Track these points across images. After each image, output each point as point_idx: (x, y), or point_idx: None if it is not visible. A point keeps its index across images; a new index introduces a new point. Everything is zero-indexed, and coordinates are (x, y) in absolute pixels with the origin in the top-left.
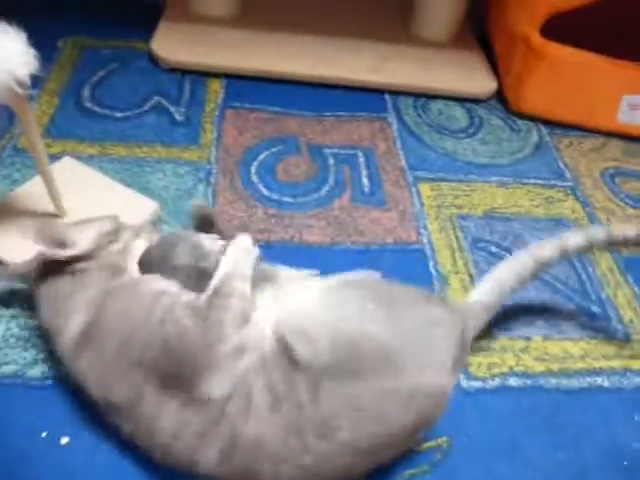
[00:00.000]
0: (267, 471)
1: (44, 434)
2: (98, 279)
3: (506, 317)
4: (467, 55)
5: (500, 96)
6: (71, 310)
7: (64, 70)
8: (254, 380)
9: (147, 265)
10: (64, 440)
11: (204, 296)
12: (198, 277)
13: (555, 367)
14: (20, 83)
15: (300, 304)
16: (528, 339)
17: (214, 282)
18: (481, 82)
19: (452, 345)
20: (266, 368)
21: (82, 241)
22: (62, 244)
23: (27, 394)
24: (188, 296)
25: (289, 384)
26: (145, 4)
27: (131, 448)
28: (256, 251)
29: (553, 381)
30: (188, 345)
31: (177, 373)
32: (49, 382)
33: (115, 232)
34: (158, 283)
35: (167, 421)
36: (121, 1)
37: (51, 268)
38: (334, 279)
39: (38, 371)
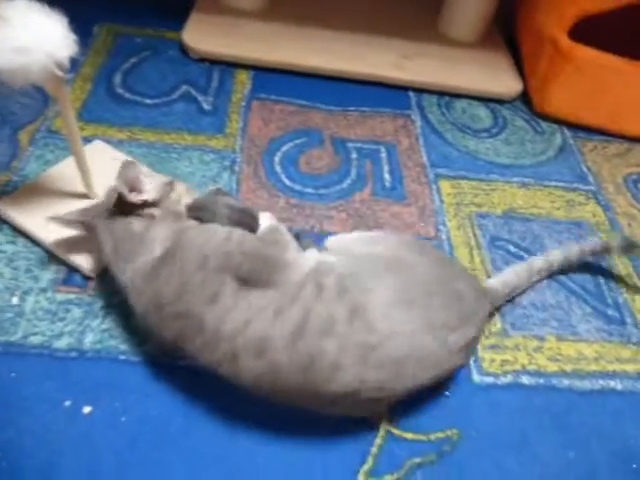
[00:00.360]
0: (332, 349)
1: (67, 403)
2: (166, 222)
3: (520, 316)
4: (493, 55)
5: (525, 97)
6: (145, 245)
7: (98, 56)
8: (323, 274)
9: (195, 209)
10: (86, 409)
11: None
12: (240, 219)
13: (568, 368)
14: (59, 66)
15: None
16: (542, 339)
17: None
18: (506, 83)
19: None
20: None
21: (151, 190)
22: (136, 189)
23: (52, 364)
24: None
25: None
26: None
27: (154, 422)
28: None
29: (566, 382)
30: (263, 253)
31: (258, 270)
32: (74, 354)
33: (170, 184)
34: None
35: (240, 311)
36: None
37: (121, 210)
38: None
39: (64, 343)
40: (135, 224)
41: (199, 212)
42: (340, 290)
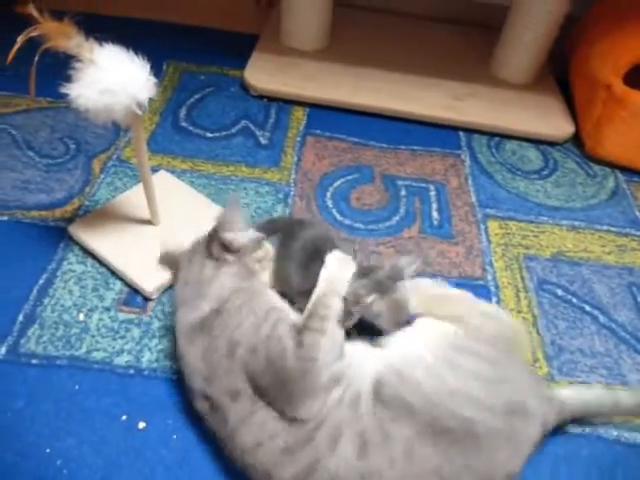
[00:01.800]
0: None
1: (124, 417)
2: (233, 274)
3: (567, 361)
4: (546, 98)
5: (577, 140)
6: (203, 296)
7: (166, 91)
8: (346, 414)
9: (271, 231)
10: (141, 425)
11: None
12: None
13: (617, 418)
14: (140, 106)
15: (406, 362)
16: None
17: (312, 300)
18: (558, 125)
19: (531, 443)
20: (359, 408)
21: (240, 238)
22: (230, 230)
23: (112, 380)
24: (295, 315)
25: (384, 437)
26: (241, 35)
27: (204, 442)
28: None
29: (614, 433)
30: (286, 369)
31: (274, 390)
32: (132, 371)
33: (260, 243)
34: (274, 297)
35: (255, 426)
36: (220, 32)
37: (204, 250)
38: (447, 339)
39: (123, 360)
40: (207, 268)
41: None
42: (361, 446)
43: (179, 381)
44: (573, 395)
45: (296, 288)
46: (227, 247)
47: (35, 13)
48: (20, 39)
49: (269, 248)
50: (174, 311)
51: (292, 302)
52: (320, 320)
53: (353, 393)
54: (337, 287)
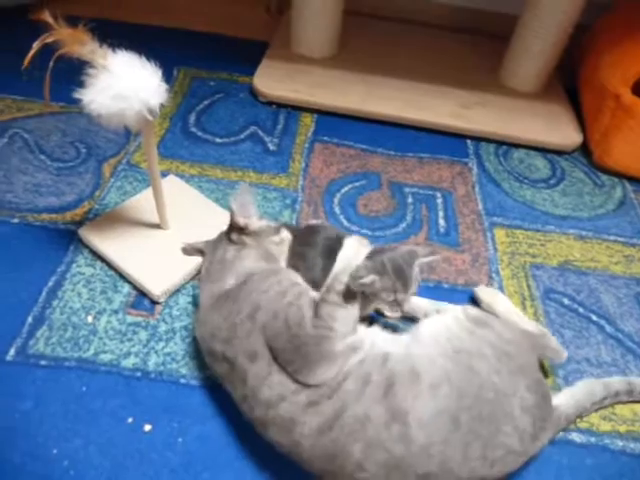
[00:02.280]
0: (357, 452)
1: (130, 420)
2: (254, 256)
3: (573, 371)
4: (554, 107)
5: (585, 149)
6: (227, 273)
7: (176, 96)
8: (373, 366)
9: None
10: (147, 427)
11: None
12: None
13: (622, 428)
14: (151, 111)
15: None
16: None
17: (330, 276)
18: (566, 134)
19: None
20: (387, 362)
21: (256, 221)
22: (245, 214)
23: (119, 382)
24: (315, 293)
25: (412, 375)
26: (251, 42)
27: (208, 445)
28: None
29: (619, 443)
30: (304, 335)
31: (290, 354)
32: (138, 374)
33: (277, 229)
34: (295, 276)
35: (276, 384)
36: (230, 38)
37: (225, 237)
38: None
39: (130, 363)
40: (229, 252)
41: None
42: (387, 386)
43: (186, 385)
44: (564, 402)
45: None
46: (243, 230)
47: (50, 20)
48: (36, 45)
49: (286, 234)
50: (200, 287)
51: None
52: (336, 294)
53: (379, 353)
54: (353, 265)
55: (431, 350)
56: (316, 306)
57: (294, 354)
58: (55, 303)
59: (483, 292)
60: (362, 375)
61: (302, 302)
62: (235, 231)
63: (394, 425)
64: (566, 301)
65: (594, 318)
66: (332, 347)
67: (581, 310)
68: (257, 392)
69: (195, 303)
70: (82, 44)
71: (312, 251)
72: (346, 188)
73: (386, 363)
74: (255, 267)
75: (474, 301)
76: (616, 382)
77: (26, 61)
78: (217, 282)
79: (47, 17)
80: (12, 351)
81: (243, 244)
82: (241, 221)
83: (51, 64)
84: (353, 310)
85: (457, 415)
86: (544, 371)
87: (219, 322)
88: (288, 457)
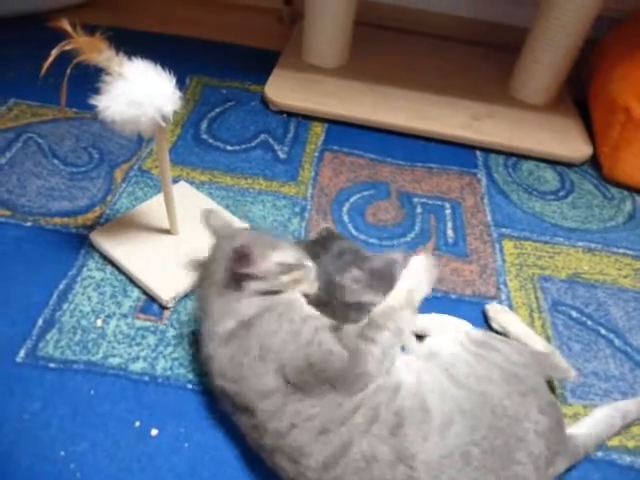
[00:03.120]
0: None
1: (137, 424)
2: (261, 298)
3: (581, 384)
4: (563, 119)
5: (594, 162)
6: (231, 311)
7: (188, 104)
8: (384, 398)
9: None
10: (154, 432)
11: (357, 326)
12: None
13: (631, 444)
14: (164, 118)
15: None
16: None
17: (380, 310)
18: (576, 147)
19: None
20: (399, 393)
21: (260, 264)
22: (248, 259)
23: (127, 386)
24: (330, 322)
25: (423, 412)
26: (263, 51)
27: (215, 452)
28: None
29: (627, 458)
30: (331, 368)
31: (315, 384)
32: (146, 378)
33: (289, 267)
34: (306, 306)
35: (289, 414)
36: (242, 47)
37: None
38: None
39: (138, 367)
40: (230, 292)
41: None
42: (395, 426)
43: (193, 390)
44: (584, 433)
45: (345, 299)
46: (249, 276)
47: (68, 28)
48: (54, 52)
49: (308, 267)
50: (199, 318)
51: (333, 312)
52: (379, 330)
53: (392, 382)
54: (414, 300)
55: (442, 379)
56: (357, 336)
57: (323, 385)
58: (65, 306)
59: (494, 310)
60: (373, 407)
61: (321, 337)
62: (236, 280)
63: (400, 467)
64: (574, 314)
65: (603, 331)
66: (363, 384)
67: (589, 323)
68: (267, 424)
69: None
70: (99, 52)
71: (325, 255)
72: (355, 197)
73: (396, 396)
74: (261, 304)
75: (483, 314)
76: (633, 410)
77: (44, 68)
78: (220, 321)
79: (65, 25)
80: (22, 353)
81: (250, 291)
82: (241, 270)
83: (69, 71)
84: (394, 350)
85: (468, 450)
86: (550, 384)
87: (224, 362)
88: None
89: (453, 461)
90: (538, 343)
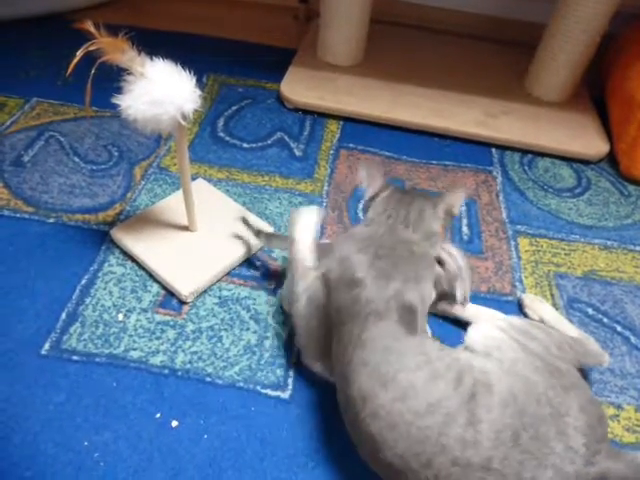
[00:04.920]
0: (450, 446)
1: (158, 415)
2: None
3: (597, 381)
4: (580, 116)
5: (611, 159)
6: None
7: (206, 102)
8: (464, 369)
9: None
10: (174, 423)
11: None
12: None
13: None
14: (184, 116)
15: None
16: (619, 407)
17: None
18: (592, 144)
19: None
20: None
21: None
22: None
23: (147, 378)
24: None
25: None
26: (279, 50)
27: (233, 443)
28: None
29: None
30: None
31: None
32: (166, 371)
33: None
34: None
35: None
36: (258, 46)
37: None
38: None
39: (158, 360)
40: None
41: None
42: (471, 394)
43: (211, 383)
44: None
45: None
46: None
47: (92, 29)
48: (79, 53)
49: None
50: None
51: None
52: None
53: (466, 360)
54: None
55: (496, 366)
56: None
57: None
58: (88, 300)
59: (530, 299)
60: (459, 371)
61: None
62: (443, 209)
63: (470, 429)
64: (590, 311)
65: (619, 329)
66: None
67: (605, 320)
68: (406, 354)
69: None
70: (122, 52)
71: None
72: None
73: (472, 370)
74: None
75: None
76: None
77: (69, 69)
78: (429, 242)
79: (89, 26)
80: (47, 345)
81: (440, 220)
82: (455, 211)
83: (93, 72)
84: None
85: (518, 433)
86: None
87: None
88: (362, 425)
89: (506, 438)
90: (572, 330)
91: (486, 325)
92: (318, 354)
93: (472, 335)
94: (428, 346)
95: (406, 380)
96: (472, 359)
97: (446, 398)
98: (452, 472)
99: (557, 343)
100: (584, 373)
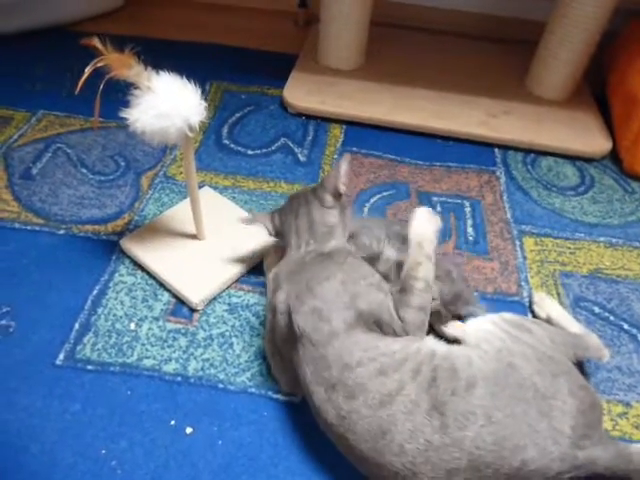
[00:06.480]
0: (406, 432)
1: (172, 422)
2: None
3: (605, 379)
4: (582, 114)
5: (614, 156)
6: (330, 237)
7: (209, 110)
8: (424, 359)
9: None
10: (188, 430)
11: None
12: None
13: None
14: (191, 128)
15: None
16: (628, 405)
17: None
18: (595, 141)
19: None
20: (435, 357)
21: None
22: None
23: (161, 386)
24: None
25: (451, 371)
26: (280, 55)
27: (248, 448)
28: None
29: None
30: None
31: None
32: (179, 379)
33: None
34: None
35: (360, 348)
36: (259, 52)
37: (315, 200)
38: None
39: (171, 367)
40: (330, 215)
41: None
42: (432, 379)
43: (224, 390)
44: None
45: None
46: (338, 196)
47: (99, 45)
48: (87, 70)
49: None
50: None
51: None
52: (410, 294)
53: (429, 349)
54: (427, 251)
55: (471, 350)
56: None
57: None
58: (100, 310)
59: (539, 297)
60: (418, 361)
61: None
62: (331, 195)
63: (434, 413)
64: (597, 309)
65: (625, 327)
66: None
67: (612, 318)
68: (341, 354)
69: (231, 309)
70: (129, 68)
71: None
72: (375, 198)
73: (433, 359)
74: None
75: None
76: None
77: (79, 86)
78: (321, 242)
79: (97, 43)
80: (61, 356)
81: (334, 207)
82: (342, 187)
83: (101, 87)
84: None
85: (490, 413)
86: None
87: (302, 284)
88: (334, 430)
89: (477, 418)
90: (575, 326)
91: (480, 320)
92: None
93: (467, 329)
94: (370, 342)
95: (351, 379)
96: (437, 347)
97: (402, 388)
98: (427, 456)
99: (551, 336)
100: (587, 371)
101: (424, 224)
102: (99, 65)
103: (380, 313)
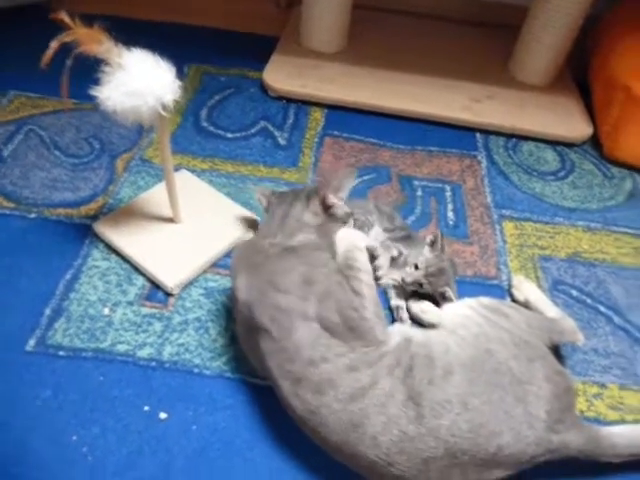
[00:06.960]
0: (379, 424)
1: (146, 408)
2: (318, 230)
3: (581, 361)
4: (564, 99)
5: (595, 141)
6: (299, 232)
7: (187, 92)
8: (402, 352)
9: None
10: (162, 416)
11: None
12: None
13: (630, 418)
14: (165, 107)
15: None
16: (603, 386)
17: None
18: (576, 126)
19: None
20: (410, 346)
21: (339, 208)
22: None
23: (135, 372)
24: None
25: (428, 360)
26: (261, 37)
27: (222, 433)
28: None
29: None
30: (356, 319)
31: (345, 333)
32: (153, 364)
33: (348, 217)
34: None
35: (323, 344)
36: (240, 34)
37: (304, 200)
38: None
39: (145, 353)
40: (306, 215)
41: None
42: (408, 368)
43: (199, 374)
44: (619, 433)
45: None
46: (327, 208)
47: (67, 19)
48: (54, 44)
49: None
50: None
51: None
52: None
53: (405, 337)
54: (355, 242)
55: (448, 336)
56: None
57: (348, 332)
58: (72, 295)
59: (518, 280)
60: (396, 356)
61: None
62: (319, 203)
63: (410, 404)
64: (574, 292)
65: (602, 309)
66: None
67: (589, 301)
68: (301, 348)
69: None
70: (99, 43)
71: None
72: (356, 181)
73: (409, 346)
74: (317, 238)
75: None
76: None
77: (44, 60)
78: (288, 236)
79: (65, 17)
80: (32, 342)
81: (318, 215)
82: (330, 200)
83: (69, 63)
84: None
85: (466, 400)
86: None
87: (277, 274)
88: (304, 423)
89: (453, 406)
90: (552, 309)
91: (457, 304)
92: None
93: (444, 314)
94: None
95: (317, 374)
96: (414, 333)
97: (375, 382)
98: (402, 447)
99: (527, 320)
100: (563, 353)
101: (350, 235)
102: (67, 40)
103: (337, 294)
